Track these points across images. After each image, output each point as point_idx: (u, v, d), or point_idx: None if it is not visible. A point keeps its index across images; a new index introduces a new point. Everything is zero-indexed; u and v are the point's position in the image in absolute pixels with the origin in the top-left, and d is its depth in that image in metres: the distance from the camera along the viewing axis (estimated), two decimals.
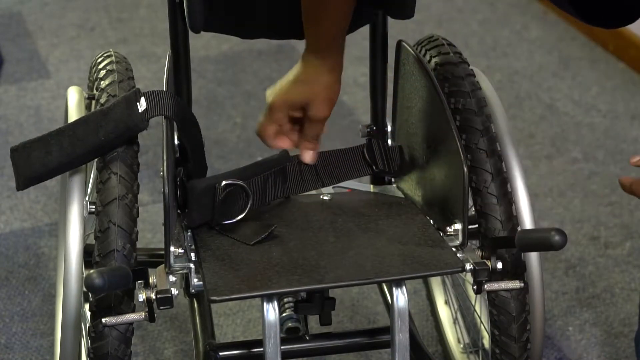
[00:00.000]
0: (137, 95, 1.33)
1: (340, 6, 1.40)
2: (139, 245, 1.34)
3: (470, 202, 1.43)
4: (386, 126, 1.66)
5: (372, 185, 1.59)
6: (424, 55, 1.57)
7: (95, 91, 1.49)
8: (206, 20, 1.49)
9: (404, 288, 1.29)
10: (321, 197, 1.48)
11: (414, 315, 1.99)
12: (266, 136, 1.47)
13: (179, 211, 1.47)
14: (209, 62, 2.93)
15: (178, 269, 1.32)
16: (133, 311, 1.31)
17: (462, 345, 1.87)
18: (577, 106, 2.69)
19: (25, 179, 1.34)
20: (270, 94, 1.47)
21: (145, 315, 1.29)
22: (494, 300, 1.43)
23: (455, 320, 1.91)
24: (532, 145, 2.53)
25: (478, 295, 1.67)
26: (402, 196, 1.51)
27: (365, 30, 1.62)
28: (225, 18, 1.56)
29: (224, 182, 1.36)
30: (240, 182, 1.37)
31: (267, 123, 1.47)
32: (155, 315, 1.30)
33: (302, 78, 1.44)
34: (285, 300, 1.39)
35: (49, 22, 3.18)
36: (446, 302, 1.95)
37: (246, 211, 1.37)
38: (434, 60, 1.55)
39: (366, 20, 1.59)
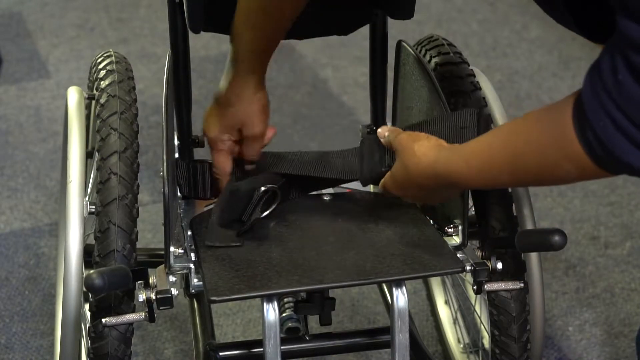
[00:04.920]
0: None
1: (288, 12, 1.35)
2: (139, 245, 1.34)
3: (470, 202, 1.43)
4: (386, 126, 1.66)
5: (372, 186, 1.59)
6: (424, 55, 1.57)
7: (95, 91, 1.49)
8: (206, 20, 1.49)
9: (404, 288, 1.29)
10: (321, 197, 1.48)
11: (414, 315, 1.99)
12: (225, 171, 1.46)
13: (181, 207, 1.47)
14: (209, 62, 2.93)
15: (178, 269, 1.32)
16: (133, 311, 1.31)
17: (462, 345, 1.87)
18: None
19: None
20: (206, 125, 1.45)
21: (145, 316, 1.29)
22: (494, 301, 1.43)
23: (455, 320, 1.91)
24: None
25: (478, 295, 1.67)
26: None
27: (365, 30, 1.62)
28: (226, 18, 1.56)
29: (262, 188, 1.36)
30: (276, 188, 1.38)
31: (219, 156, 1.45)
32: (155, 315, 1.30)
33: (233, 100, 1.41)
34: (285, 300, 1.39)
35: (49, 22, 3.18)
36: (446, 302, 1.95)
37: (270, 210, 1.37)
38: (434, 60, 1.55)
39: (366, 20, 1.59)
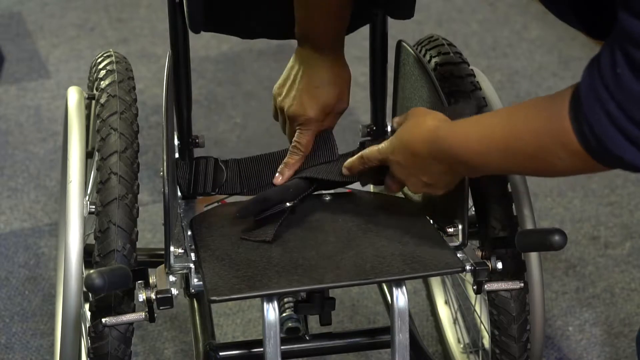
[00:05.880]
0: None
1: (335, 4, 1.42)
2: (139, 245, 1.34)
3: (470, 202, 1.43)
4: (386, 126, 1.66)
5: (372, 186, 1.59)
6: (424, 55, 1.57)
7: (95, 91, 1.49)
8: (206, 20, 1.49)
9: (404, 288, 1.29)
10: (321, 197, 1.48)
11: (414, 315, 1.99)
12: (309, 148, 1.49)
13: (181, 207, 1.48)
14: (209, 62, 2.93)
15: (178, 269, 1.32)
16: (133, 311, 1.31)
17: (462, 345, 1.87)
18: None
19: None
20: (297, 108, 1.47)
21: (145, 315, 1.29)
22: (494, 300, 1.43)
23: (455, 320, 1.91)
24: None
25: (478, 295, 1.67)
26: (402, 196, 1.51)
27: (365, 30, 1.62)
28: (225, 18, 1.56)
29: (287, 204, 1.38)
30: (297, 202, 1.39)
31: (309, 135, 1.48)
32: (155, 315, 1.30)
33: (328, 80, 1.45)
34: (285, 300, 1.39)
35: (49, 22, 3.18)
36: (446, 302, 1.95)
37: (283, 217, 1.38)
38: (434, 60, 1.55)
39: (366, 20, 1.59)
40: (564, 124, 1.09)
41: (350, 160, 1.42)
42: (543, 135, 1.12)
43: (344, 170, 1.44)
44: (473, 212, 1.46)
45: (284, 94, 1.48)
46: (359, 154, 1.40)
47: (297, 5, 1.43)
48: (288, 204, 1.38)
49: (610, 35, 1.04)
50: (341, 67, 1.47)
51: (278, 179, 1.48)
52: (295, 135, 1.48)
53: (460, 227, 1.37)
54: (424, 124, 1.28)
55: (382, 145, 1.34)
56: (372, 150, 1.36)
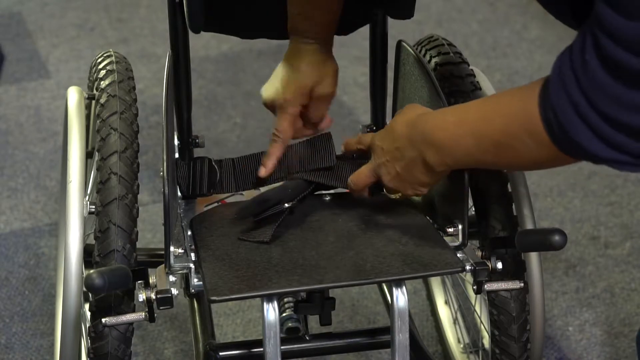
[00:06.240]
0: None
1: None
2: (139, 245, 1.34)
3: (470, 202, 1.43)
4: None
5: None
6: (424, 55, 1.57)
7: (95, 91, 1.49)
8: (206, 20, 1.49)
9: (404, 288, 1.29)
10: (321, 197, 1.48)
11: (414, 315, 1.99)
12: (287, 135, 1.49)
13: (181, 207, 1.47)
14: (209, 62, 2.93)
15: (178, 269, 1.32)
16: (133, 311, 1.31)
17: (462, 345, 1.87)
18: None
19: None
20: (273, 93, 1.47)
21: (145, 315, 1.29)
22: (494, 300, 1.43)
23: (455, 320, 1.91)
24: None
25: (478, 295, 1.67)
26: None
27: (365, 30, 1.62)
28: (225, 18, 1.56)
29: (286, 205, 1.38)
30: (295, 203, 1.39)
31: (285, 120, 1.48)
32: (155, 315, 1.30)
33: (306, 64, 1.45)
34: (285, 300, 1.39)
35: (49, 22, 3.18)
36: (446, 302, 1.95)
37: (281, 219, 1.38)
38: (434, 60, 1.55)
39: (366, 20, 1.59)
40: (532, 110, 1.09)
41: (348, 139, 1.44)
42: (512, 121, 1.13)
43: (342, 148, 1.45)
44: (473, 212, 1.46)
45: (267, 85, 1.49)
46: (358, 135, 1.41)
47: (290, 1, 1.43)
48: (287, 205, 1.38)
49: (585, 22, 1.04)
50: (326, 56, 1.47)
51: (261, 171, 1.49)
52: (275, 122, 1.49)
53: (460, 227, 1.37)
54: (412, 110, 1.30)
55: (372, 135, 1.36)
56: (367, 134, 1.39)
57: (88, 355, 1.34)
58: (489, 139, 1.16)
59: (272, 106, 1.49)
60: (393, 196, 1.42)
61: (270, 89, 1.48)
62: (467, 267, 1.31)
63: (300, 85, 1.46)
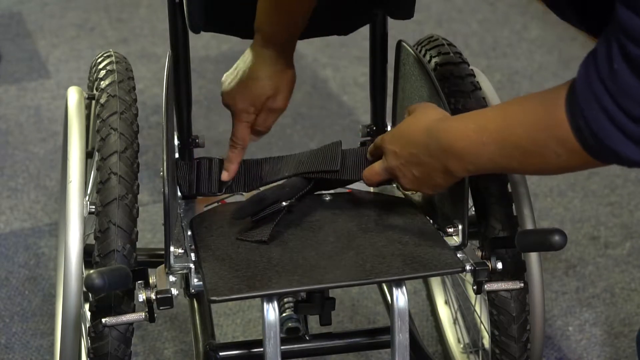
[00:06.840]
0: None
1: (299, 10, 1.42)
2: (139, 245, 1.34)
3: (470, 202, 1.43)
4: (386, 126, 1.66)
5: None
6: (424, 55, 1.57)
7: (95, 91, 1.49)
8: (206, 20, 1.49)
9: (404, 288, 1.29)
10: (321, 197, 1.48)
11: (414, 315, 1.99)
12: (245, 141, 1.50)
13: (181, 207, 1.47)
14: (209, 62, 2.93)
15: (178, 269, 1.32)
16: (133, 311, 1.31)
17: (462, 345, 1.87)
18: None
19: None
20: (229, 99, 1.48)
21: (145, 315, 1.29)
22: (494, 300, 1.43)
23: (455, 320, 1.91)
24: None
25: (478, 295, 1.67)
26: (402, 196, 1.51)
27: (365, 30, 1.62)
28: (225, 18, 1.56)
29: (284, 203, 1.38)
30: (293, 201, 1.40)
31: (242, 127, 1.49)
32: (155, 315, 1.30)
33: (265, 74, 1.45)
34: (285, 300, 1.39)
35: (49, 22, 3.18)
36: (446, 302, 1.95)
37: (279, 217, 1.38)
38: (434, 60, 1.55)
39: (366, 20, 1.59)
40: (560, 119, 1.08)
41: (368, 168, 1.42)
42: (539, 130, 1.12)
43: (369, 156, 1.43)
44: (473, 212, 1.46)
45: (227, 82, 1.49)
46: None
47: None
48: (284, 203, 1.37)
49: (607, 29, 1.04)
50: (286, 66, 1.46)
51: (224, 175, 1.51)
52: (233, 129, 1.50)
53: (460, 227, 1.37)
54: (425, 115, 1.29)
55: (385, 136, 1.35)
56: (378, 138, 1.38)
57: (88, 355, 1.34)
58: (514, 146, 1.15)
59: (228, 108, 1.50)
60: (409, 192, 1.43)
61: (227, 89, 1.49)
62: (467, 267, 1.31)
63: (256, 96, 1.46)
